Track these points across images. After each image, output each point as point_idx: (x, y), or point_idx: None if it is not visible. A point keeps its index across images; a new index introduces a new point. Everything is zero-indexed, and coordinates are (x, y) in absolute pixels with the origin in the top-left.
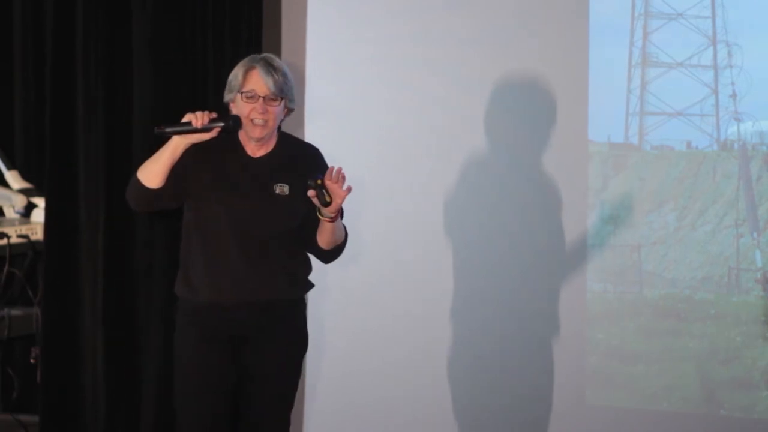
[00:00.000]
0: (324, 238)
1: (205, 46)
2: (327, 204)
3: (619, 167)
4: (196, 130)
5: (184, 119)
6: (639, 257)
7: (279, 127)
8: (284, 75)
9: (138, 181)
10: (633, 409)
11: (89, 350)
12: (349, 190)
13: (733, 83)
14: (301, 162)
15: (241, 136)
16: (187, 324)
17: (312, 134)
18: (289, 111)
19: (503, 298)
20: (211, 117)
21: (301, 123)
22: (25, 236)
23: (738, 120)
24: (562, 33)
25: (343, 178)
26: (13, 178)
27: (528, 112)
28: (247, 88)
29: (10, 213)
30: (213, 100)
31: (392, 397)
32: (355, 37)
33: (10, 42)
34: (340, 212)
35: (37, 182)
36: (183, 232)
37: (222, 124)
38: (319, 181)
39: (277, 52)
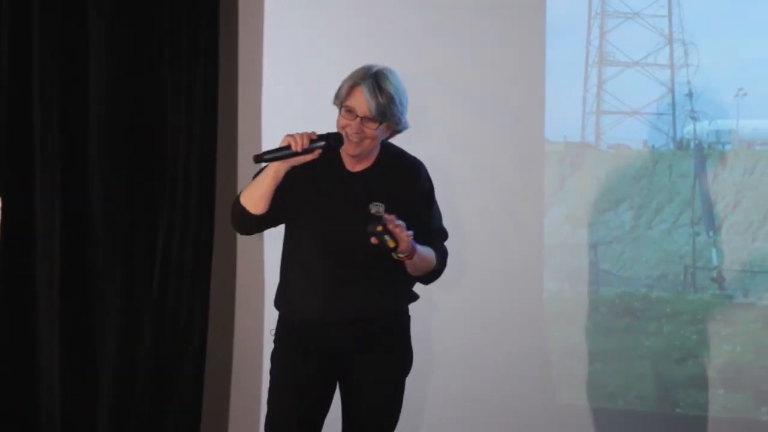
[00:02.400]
0: (409, 269)
1: (161, 46)
2: (392, 249)
3: (576, 166)
4: (296, 154)
5: (283, 142)
6: (595, 256)
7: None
8: (390, 98)
9: (242, 207)
10: (590, 407)
11: (45, 353)
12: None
13: (689, 82)
14: (400, 179)
15: (342, 150)
16: (284, 337)
17: (269, 136)
18: (394, 132)
19: (458, 299)
20: (311, 138)
21: (258, 125)
22: None
23: (694, 119)
24: (518, 32)
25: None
26: None
27: (484, 111)
28: (348, 102)
29: None
30: (171, 100)
31: None
32: (312, 37)
33: None
34: (414, 249)
35: None
36: (283, 244)
37: (323, 144)
38: (380, 228)
39: (234, 54)
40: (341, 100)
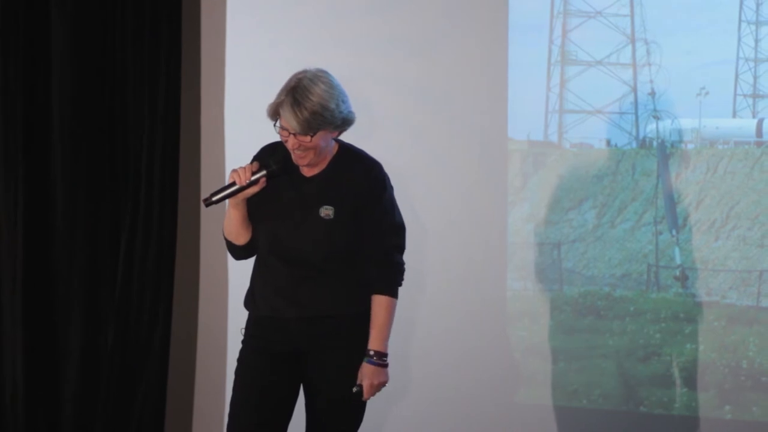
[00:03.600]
0: None
1: (124, 46)
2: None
3: (539, 165)
4: (242, 188)
5: (228, 180)
6: (559, 255)
7: (340, 142)
8: (313, 110)
9: (228, 242)
10: (554, 406)
11: (8, 352)
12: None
13: (651, 81)
14: (352, 180)
15: None
16: (250, 336)
17: (232, 138)
18: (341, 130)
19: (422, 298)
20: (252, 170)
21: (221, 128)
22: None
23: (657, 118)
24: (481, 31)
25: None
26: None
27: (447, 110)
28: (280, 121)
29: None
30: (134, 100)
31: None
32: (275, 40)
33: None
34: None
35: None
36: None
37: (265, 173)
38: (355, 389)
39: (197, 56)
40: (272, 117)
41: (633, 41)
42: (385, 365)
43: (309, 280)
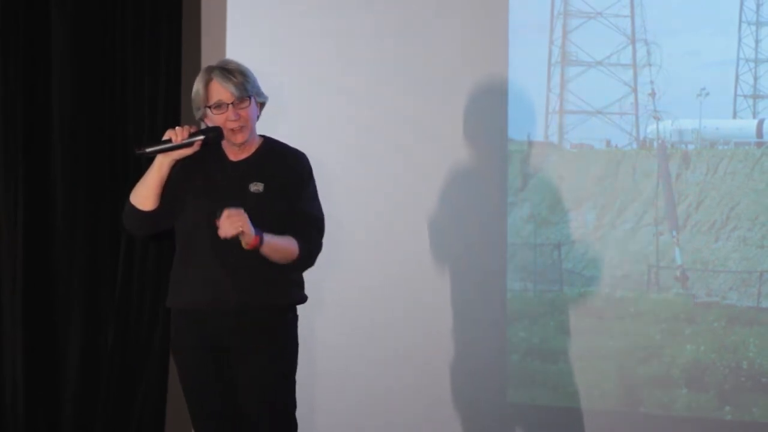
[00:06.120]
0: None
1: (124, 46)
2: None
3: (539, 166)
4: (176, 147)
5: (165, 136)
6: (559, 256)
7: (263, 135)
8: (242, 74)
9: (132, 206)
10: (554, 407)
11: (8, 352)
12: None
13: (652, 82)
14: (279, 162)
15: (224, 144)
16: (175, 331)
17: None
18: (261, 105)
19: (422, 297)
20: (190, 131)
21: None
22: None
23: (657, 118)
24: (481, 31)
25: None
26: None
27: (447, 110)
28: (213, 100)
29: None
30: (134, 99)
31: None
32: (275, 40)
33: None
34: (259, 240)
35: None
36: (175, 241)
37: (202, 137)
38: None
39: (197, 56)
40: (204, 104)
41: (633, 42)
42: (255, 237)
43: (235, 263)
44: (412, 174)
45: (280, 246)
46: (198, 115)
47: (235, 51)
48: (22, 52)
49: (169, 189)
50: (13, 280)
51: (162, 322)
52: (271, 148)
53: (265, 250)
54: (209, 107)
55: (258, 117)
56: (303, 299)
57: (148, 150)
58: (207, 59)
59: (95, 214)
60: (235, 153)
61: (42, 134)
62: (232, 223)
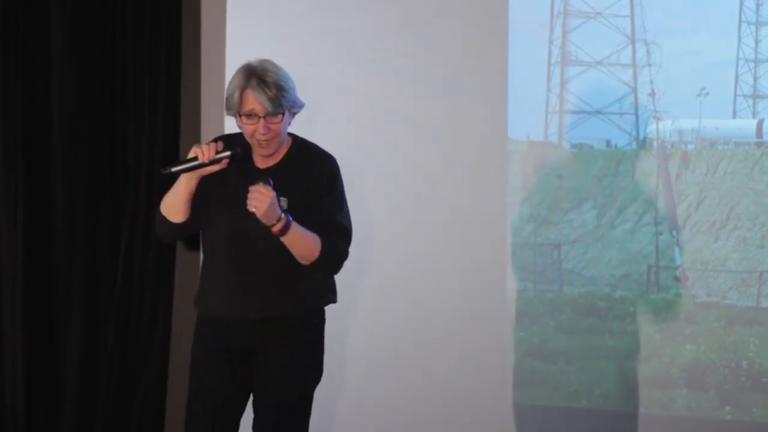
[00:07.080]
0: (291, 250)
1: (124, 46)
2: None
3: (539, 166)
4: (203, 165)
5: (191, 154)
6: (559, 256)
7: (292, 134)
8: (278, 86)
9: (163, 217)
10: (554, 406)
11: (8, 352)
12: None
13: (651, 81)
14: (305, 171)
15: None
16: (198, 333)
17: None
18: (291, 118)
19: (423, 298)
20: (217, 149)
21: (221, 128)
22: None
23: (657, 118)
24: (481, 31)
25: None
26: None
27: (447, 111)
28: (246, 109)
29: None
30: (134, 99)
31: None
32: (275, 40)
33: None
34: (285, 227)
35: None
36: (201, 245)
37: (229, 154)
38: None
39: (197, 56)
40: (236, 110)
41: (633, 42)
42: (280, 217)
43: (260, 278)
44: (412, 174)
45: (306, 239)
46: (229, 114)
47: (235, 51)
48: (22, 52)
49: (196, 200)
50: (13, 280)
51: (162, 322)
52: (298, 151)
53: (290, 237)
54: (240, 115)
55: (288, 125)
56: (327, 303)
57: (174, 170)
58: (207, 59)
59: (95, 214)
60: (263, 160)
61: (42, 134)
62: (251, 200)
